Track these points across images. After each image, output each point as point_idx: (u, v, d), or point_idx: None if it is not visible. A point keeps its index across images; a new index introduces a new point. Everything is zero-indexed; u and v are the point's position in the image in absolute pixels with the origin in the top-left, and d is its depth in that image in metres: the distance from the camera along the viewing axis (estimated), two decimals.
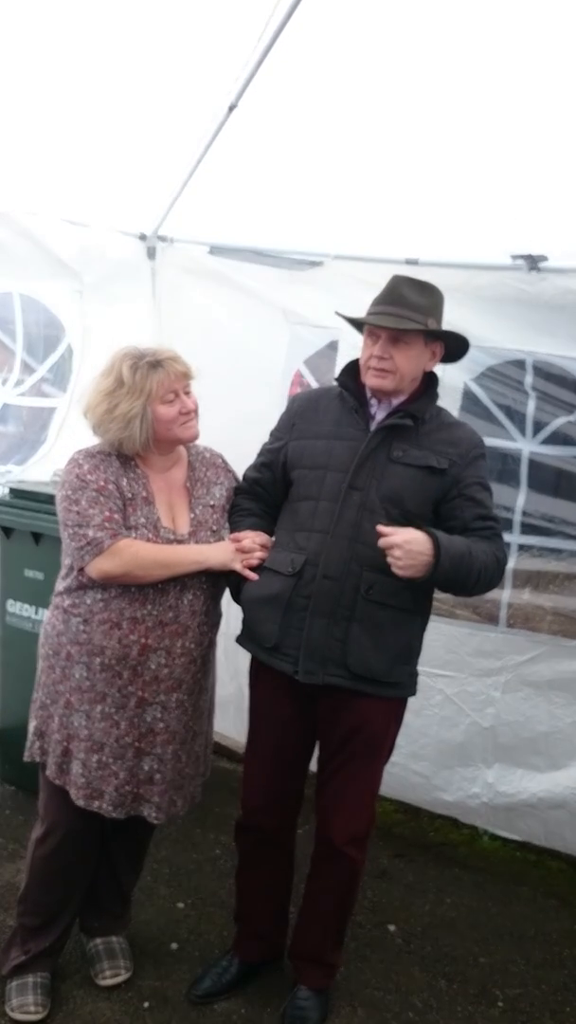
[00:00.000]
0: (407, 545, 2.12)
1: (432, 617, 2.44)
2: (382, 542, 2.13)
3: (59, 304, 3.70)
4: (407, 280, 2.31)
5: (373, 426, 2.32)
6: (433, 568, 2.13)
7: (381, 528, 2.14)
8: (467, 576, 2.20)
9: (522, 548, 3.36)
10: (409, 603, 2.28)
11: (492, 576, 2.28)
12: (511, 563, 3.32)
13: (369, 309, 2.31)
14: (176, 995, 2.53)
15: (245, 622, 2.41)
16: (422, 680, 2.43)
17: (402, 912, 3.06)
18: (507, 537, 3.26)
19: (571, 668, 3.28)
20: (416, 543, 2.12)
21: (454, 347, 2.37)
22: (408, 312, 2.25)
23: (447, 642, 3.43)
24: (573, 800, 3.27)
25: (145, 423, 2.25)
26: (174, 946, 2.75)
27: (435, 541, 2.13)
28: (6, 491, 3.52)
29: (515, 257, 3.08)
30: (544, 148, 2.82)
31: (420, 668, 2.42)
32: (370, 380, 2.31)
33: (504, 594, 3.39)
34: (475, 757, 3.48)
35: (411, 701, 2.44)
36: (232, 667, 3.61)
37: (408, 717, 2.48)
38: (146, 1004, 2.49)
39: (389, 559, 2.13)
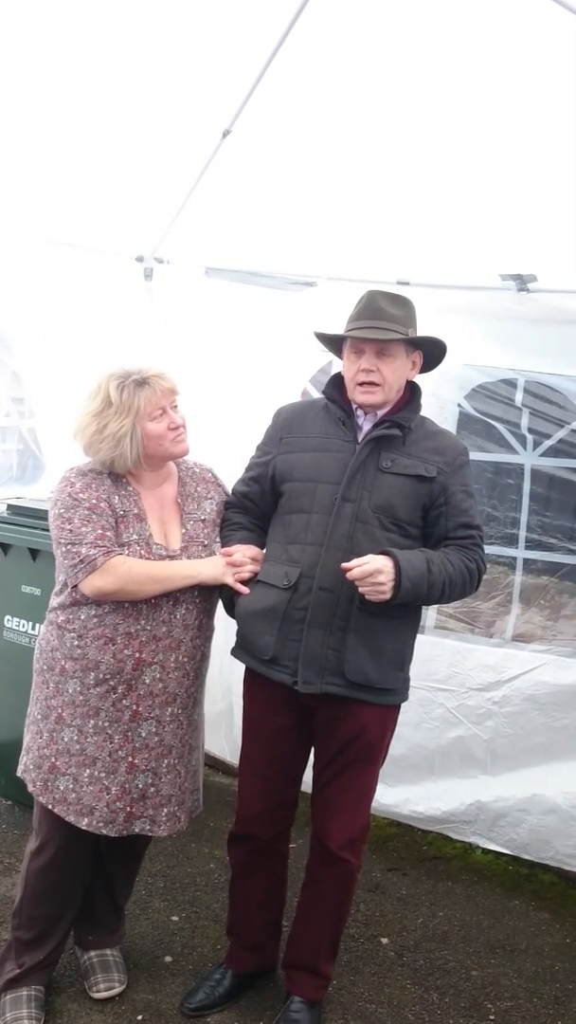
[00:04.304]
0: (385, 567, 2.16)
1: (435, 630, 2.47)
2: (358, 571, 2.15)
3: (47, 326, 3.77)
4: (382, 294, 2.34)
5: (360, 437, 2.35)
6: (396, 589, 2.18)
7: (346, 565, 2.17)
8: (429, 593, 2.25)
9: (527, 563, 3.38)
10: (400, 610, 2.31)
11: (461, 588, 2.32)
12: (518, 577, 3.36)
13: (349, 325, 2.34)
14: (170, 1008, 2.54)
15: (240, 635, 2.43)
16: (423, 694, 2.44)
17: (395, 925, 3.08)
18: (512, 552, 3.29)
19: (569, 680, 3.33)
20: (387, 564, 2.18)
21: (431, 356, 2.41)
22: (388, 324, 2.28)
23: (450, 656, 3.45)
24: (564, 806, 3.29)
25: (135, 441, 2.28)
26: (168, 959, 2.77)
27: (396, 562, 2.18)
28: (3, 508, 3.56)
29: (504, 277, 3.13)
30: (532, 170, 2.88)
31: (421, 682, 2.43)
32: (360, 397, 2.33)
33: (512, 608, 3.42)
34: (474, 768, 3.49)
35: (411, 713, 2.45)
36: (225, 684, 3.64)
37: (406, 731, 2.47)
38: (140, 1017, 2.50)
39: (369, 588, 2.16)
